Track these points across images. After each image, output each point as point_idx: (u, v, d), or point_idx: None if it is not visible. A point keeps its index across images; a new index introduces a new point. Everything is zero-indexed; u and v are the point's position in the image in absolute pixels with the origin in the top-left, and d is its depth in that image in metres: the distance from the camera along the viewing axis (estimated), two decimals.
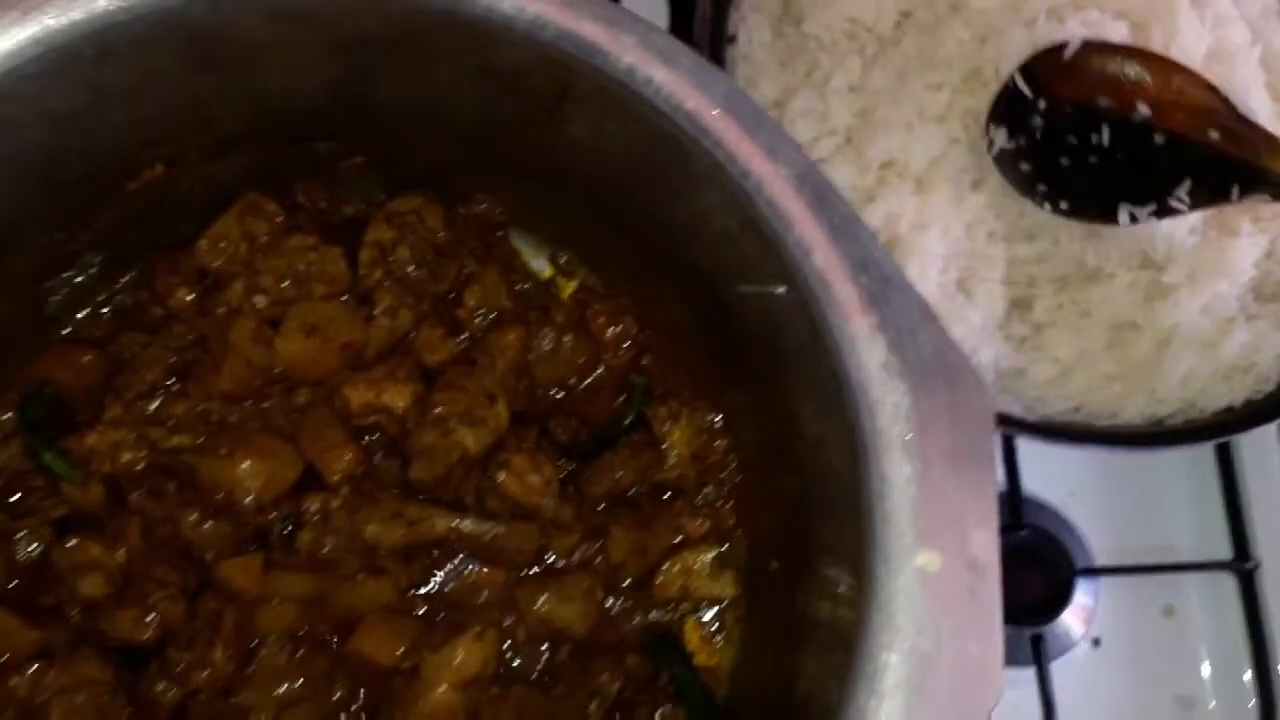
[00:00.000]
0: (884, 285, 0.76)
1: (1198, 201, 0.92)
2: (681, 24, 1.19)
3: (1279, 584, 1.20)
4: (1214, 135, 0.89)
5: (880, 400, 0.73)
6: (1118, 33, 1.00)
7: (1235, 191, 0.90)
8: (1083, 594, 1.19)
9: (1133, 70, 0.90)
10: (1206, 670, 1.22)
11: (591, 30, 0.78)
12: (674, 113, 0.78)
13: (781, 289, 0.79)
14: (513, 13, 0.77)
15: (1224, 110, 0.90)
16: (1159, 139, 0.89)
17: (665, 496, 1.03)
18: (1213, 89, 0.91)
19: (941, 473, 0.72)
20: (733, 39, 1.14)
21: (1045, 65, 0.94)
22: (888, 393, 0.73)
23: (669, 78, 0.78)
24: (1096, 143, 0.91)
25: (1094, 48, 0.92)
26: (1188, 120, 0.89)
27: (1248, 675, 1.20)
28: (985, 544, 0.71)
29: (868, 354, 0.74)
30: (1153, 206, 0.93)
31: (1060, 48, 0.94)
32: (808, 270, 0.76)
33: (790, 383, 0.86)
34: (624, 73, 0.78)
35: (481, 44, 0.80)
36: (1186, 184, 0.91)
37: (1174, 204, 0.92)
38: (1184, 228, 1.01)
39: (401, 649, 0.91)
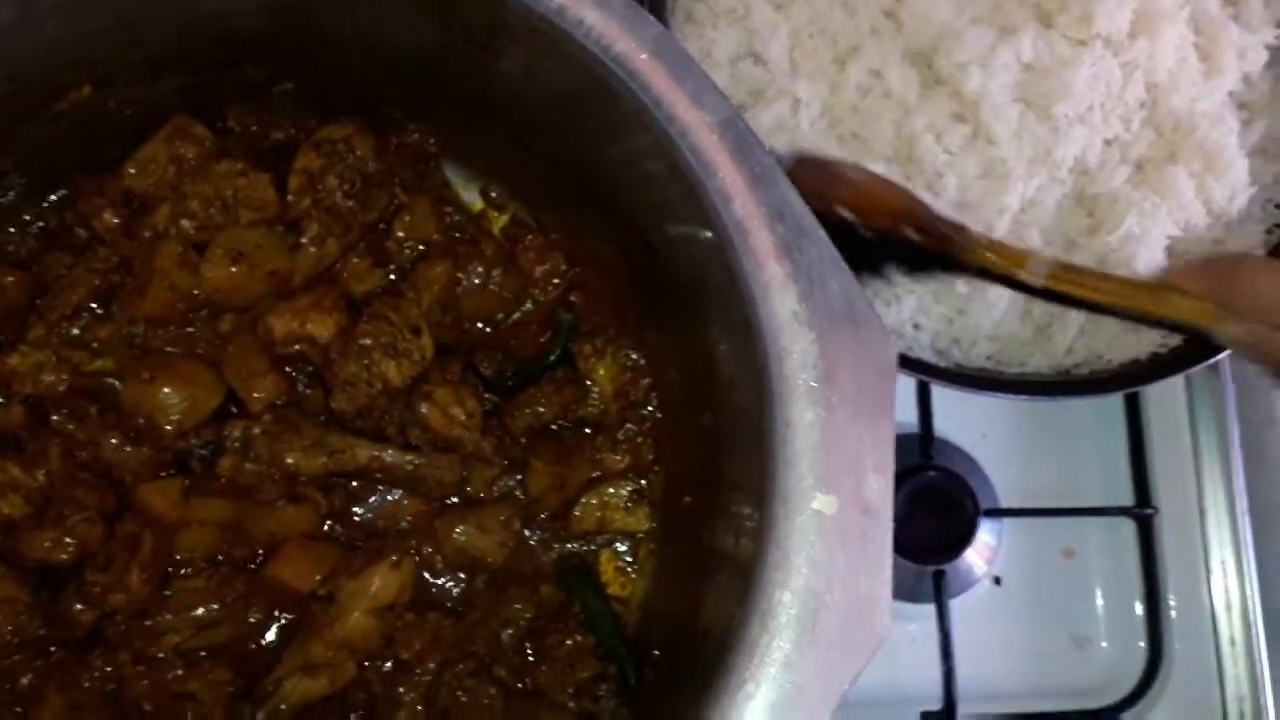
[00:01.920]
0: (799, 235, 0.77)
1: (911, 274, 1.02)
2: None
3: (1175, 531, 1.25)
4: (911, 233, 0.99)
5: (788, 348, 0.76)
6: (1023, 14, 1.04)
7: (939, 272, 1.01)
8: (986, 533, 1.24)
9: (832, 182, 0.99)
10: (1101, 610, 1.27)
11: None
12: (603, 54, 0.79)
13: (701, 229, 0.81)
14: None
15: (920, 212, 1.00)
16: (866, 234, 0.98)
17: (586, 431, 1.05)
18: (907, 195, 1.01)
19: (843, 418, 0.75)
20: None
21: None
22: (796, 340, 0.76)
23: (599, 19, 0.79)
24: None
25: (801, 159, 1.00)
26: (887, 221, 0.99)
27: (1139, 617, 1.26)
28: (880, 488, 0.74)
29: (779, 301, 0.76)
30: (875, 277, 1.02)
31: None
32: (727, 217, 0.78)
33: (708, 325, 0.88)
34: (554, 11, 0.79)
35: None
36: (893, 264, 1.01)
37: (888, 276, 1.02)
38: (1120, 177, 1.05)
39: (319, 575, 0.94)
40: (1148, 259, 1.04)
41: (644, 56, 0.79)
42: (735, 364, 0.83)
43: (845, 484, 0.73)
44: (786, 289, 0.77)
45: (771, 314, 0.76)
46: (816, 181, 0.94)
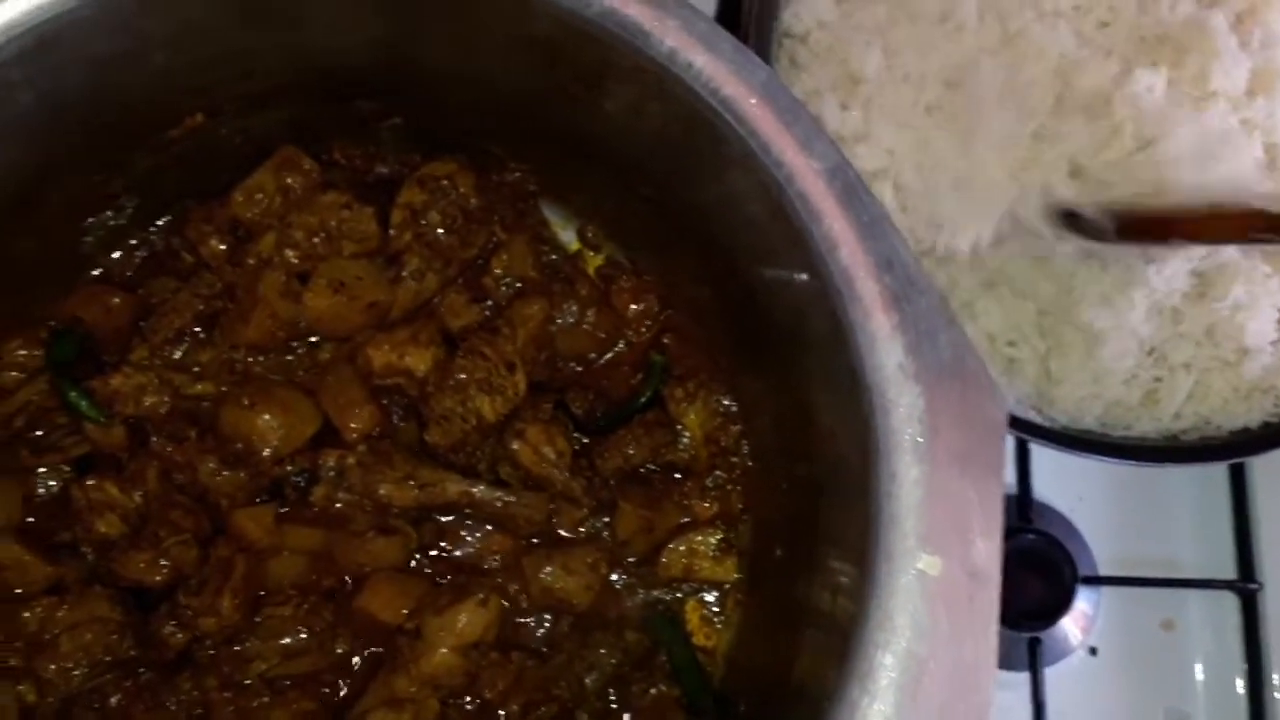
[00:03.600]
0: (907, 286, 0.76)
1: None
2: (728, 13, 1.18)
3: None
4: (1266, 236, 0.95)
5: (895, 401, 0.74)
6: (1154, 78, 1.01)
7: None
8: (1083, 601, 1.20)
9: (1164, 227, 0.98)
10: (1200, 687, 1.22)
11: (636, 11, 0.78)
12: (712, 98, 0.79)
13: (804, 276, 0.80)
14: None
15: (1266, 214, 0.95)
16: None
17: (676, 476, 1.04)
18: (1239, 205, 0.96)
19: (950, 477, 0.73)
20: None
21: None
22: (902, 394, 0.74)
23: (709, 63, 0.79)
24: None
25: (1123, 218, 0.99)
26: (1239, 235, 0.98)
27: (1241, 695, 1.21)
28: (988, 552, 0.71)
29: (886, 354, 0.75)
30: None
31: None
32: (833, 265, 0.77)
33: (808, 374, 0.86)
34: (665, 55, 0.79)
35: (527, 16, 0.80)
36: None
37: None
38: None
39: (406, 609, 0.93)
40: (1257, 330, 1.01)
41: (753, 101, 0.79)
42: (835, 415, 0.81)
43: (951, 545, 0.71)
44: (894, 340, 0.75)
45: (878, 366, 0.75)
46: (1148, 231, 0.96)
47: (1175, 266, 1.02)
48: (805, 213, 0.78)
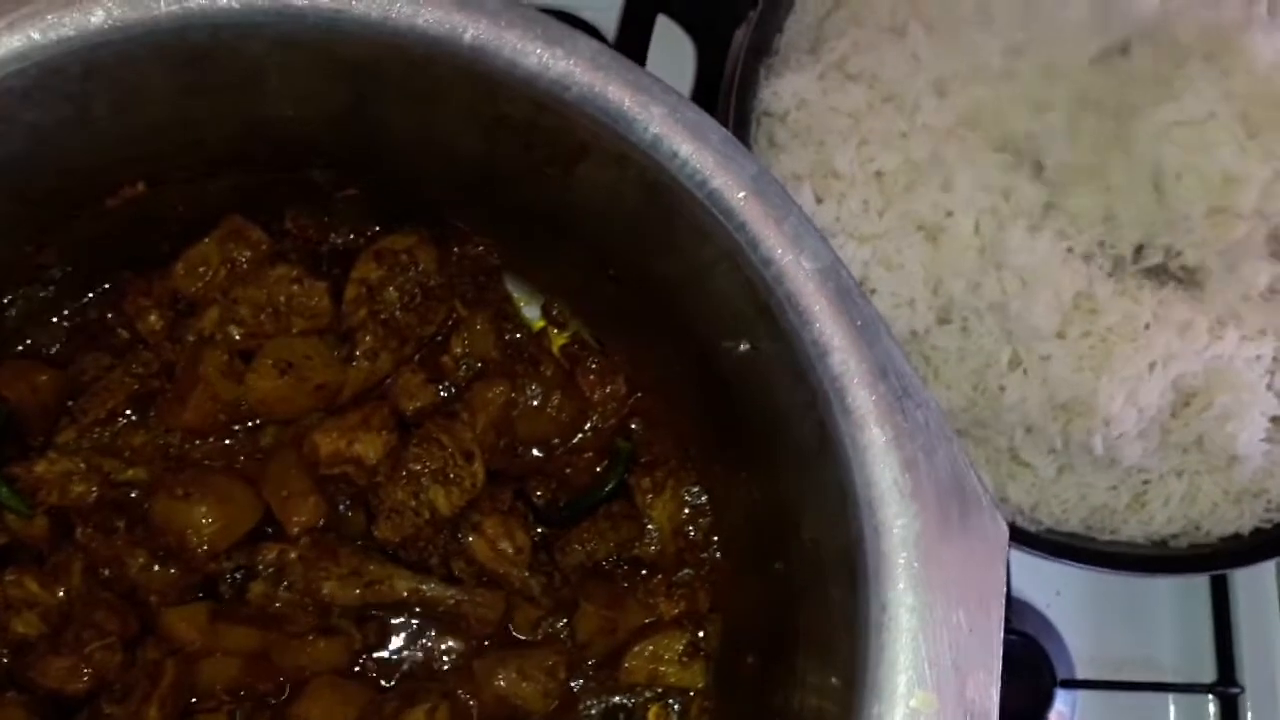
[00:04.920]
0: (903, 397, 0.71)
1: None
2: (706, 88, 1.13)
3: (1262, 712, 1.17)
4: None
5: (888, 523, 0.69)
6: None
7: None
8: (1060, 703, 1.15)
9: None
10: None
11: (618, 96, 0.73)
12: (698, 190, 0.74)
13: (796, 385, 0.74)
14: (537, 69, 0.72)
15: None
16: None
17: (641, 573, 0.98)
18: None
19: (945, 606, 0.68)
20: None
21: None
22: (897, 515, 0.69)
23: (695, 153, 0.74)
24: None
25: None
26: None
27: None
28: (984, 688, 0.66)
29: (880, 469, 0.70)
30: None
31: None
32: (822, 372, 0.72)
33: (790, 479, 0.81)
34: (648, 143, 0.74)
35: (500, 96, 0.75)
36: None
37: None
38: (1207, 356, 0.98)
39: (348, 717, 0.86)
40: (1248, 440, 0.97)
41: (741, 195, 0.74)
42: (820, 526, 0.76)
43: (947, 681, 0.66)
44: (888, 455, 0.70)
45: (869, 482, 0.70)
46: None
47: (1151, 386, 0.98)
48: (794, 315, 0.73)
